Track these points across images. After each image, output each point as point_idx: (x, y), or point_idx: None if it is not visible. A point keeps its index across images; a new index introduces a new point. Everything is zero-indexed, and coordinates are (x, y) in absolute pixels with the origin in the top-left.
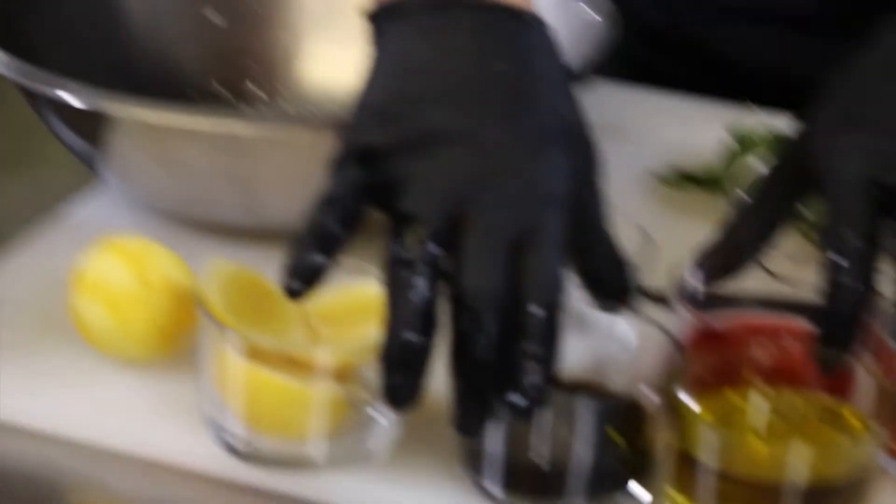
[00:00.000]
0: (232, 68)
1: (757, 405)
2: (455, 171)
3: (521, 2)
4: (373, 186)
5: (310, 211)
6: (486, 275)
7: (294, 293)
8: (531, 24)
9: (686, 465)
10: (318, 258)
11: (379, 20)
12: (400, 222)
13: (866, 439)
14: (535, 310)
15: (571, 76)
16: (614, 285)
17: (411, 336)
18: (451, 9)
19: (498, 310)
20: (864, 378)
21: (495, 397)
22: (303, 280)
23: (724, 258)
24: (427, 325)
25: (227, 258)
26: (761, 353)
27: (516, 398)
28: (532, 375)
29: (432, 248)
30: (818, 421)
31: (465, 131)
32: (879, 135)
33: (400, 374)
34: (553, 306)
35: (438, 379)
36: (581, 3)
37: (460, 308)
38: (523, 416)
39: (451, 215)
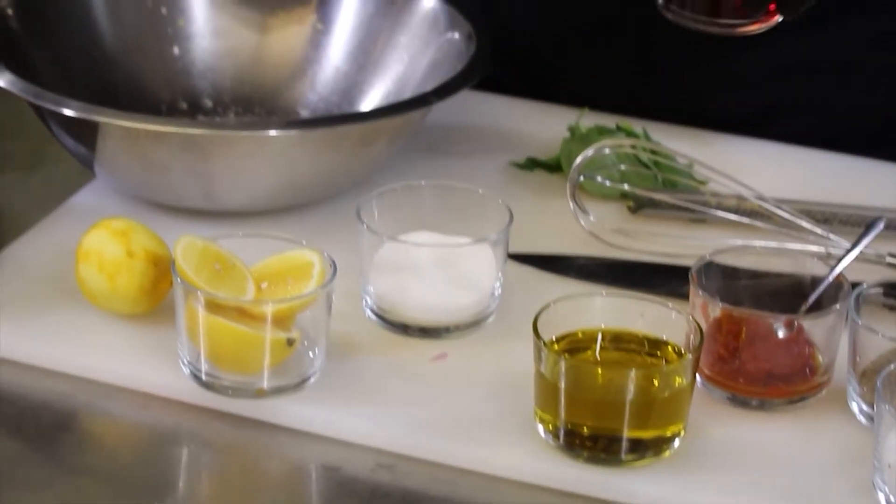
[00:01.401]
0: (193, 88)
1: (598, 341)
2: None
3: None
4: None
5: None
6: None
7: None
8: None
9: (547, 388)
10: None
11: None
12: None
13: (680, 365)
14: None
15: None
16: None
17: None
18: None
19: None
20: (681, 319)
21: None
22: None
23: None
24: None
25: (193, 234)
26: None
27: None
28: None
29: None
30: (644, 353)
31: None
32: None
33: None
34: None
35: (355, 318)
36: (454, 34)
37: None
38: None
39: None
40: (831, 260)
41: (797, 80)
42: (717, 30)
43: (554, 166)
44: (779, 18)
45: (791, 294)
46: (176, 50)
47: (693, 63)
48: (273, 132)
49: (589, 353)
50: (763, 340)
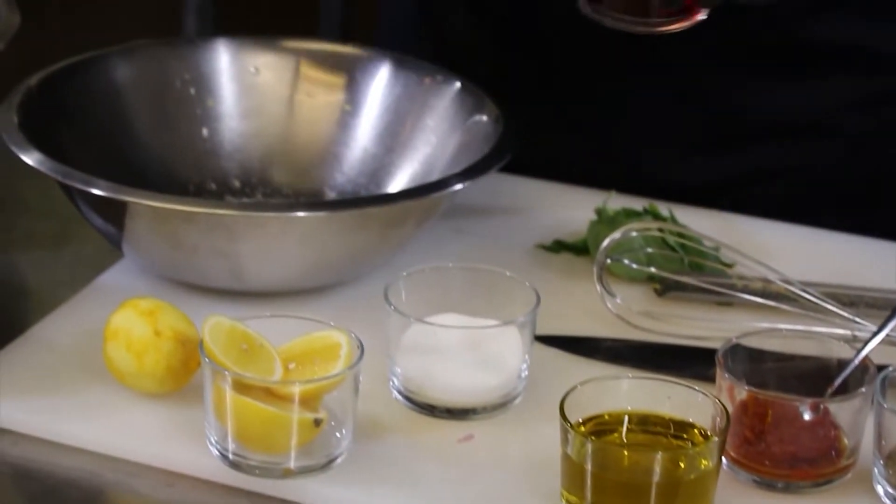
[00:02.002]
0: (222, 169)
1: (625, 423)
2: None
3: None
4: None
5: None
6: None
7: None
8: None
9: (574, 470)
10: None
11: None
12: None
13: (706, 448)
14: None
15: None
16: None
17: None
18: None
19: None
20: (707, 402)
21: None
22: None
23: None
24: None
25: (221, 313)
26: None
27: None
28: None
29: None
30: (670, 435)
31: None
32: None
33: None
34: None
35: (382, 399)
36: (482, 117)
37: None
38: None
39: None
40: (857, 343)
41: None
42: (640, 28)
43: (581, 249)
44: (702, 16)
45: (817, 377)
46: (205, 131)
47: (719, 148)
48: (301, 213)
49: (615, 435)
50: (789, 423)
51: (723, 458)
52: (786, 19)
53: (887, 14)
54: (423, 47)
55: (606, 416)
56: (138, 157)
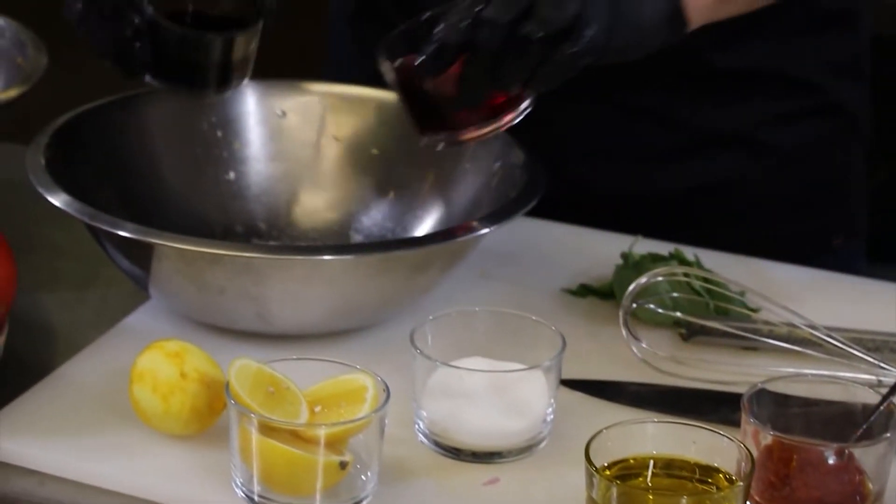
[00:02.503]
0: (249, 212)
1: (650, 467)
2: None
3: None
4: None
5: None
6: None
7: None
8: None
9: None
10: None
11: None
12: None
13: (731, 492)
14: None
15: None
16: None
17: None
18: None
19: None
20: (732, 447)
21: None
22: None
23: None
24: None
25: (247, 356)
26: None
27: None
28: None
29: None
30: (695, 480)
31: None
32: None
33: None
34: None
35: (407, 442)
36: (508, 161)
37: None
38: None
39: None
40: (882, 388)
41: None
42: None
43: (607, 293)
44: (526, 104)
45: (842, 422)
46: (231, 174)
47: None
48: (327, 257)
49: (640, 479)
50: (814, 468)
51: (748, 503)
52: (704, 49)
53: (792, 41)
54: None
55: (631, 461)
56: (165, 200)
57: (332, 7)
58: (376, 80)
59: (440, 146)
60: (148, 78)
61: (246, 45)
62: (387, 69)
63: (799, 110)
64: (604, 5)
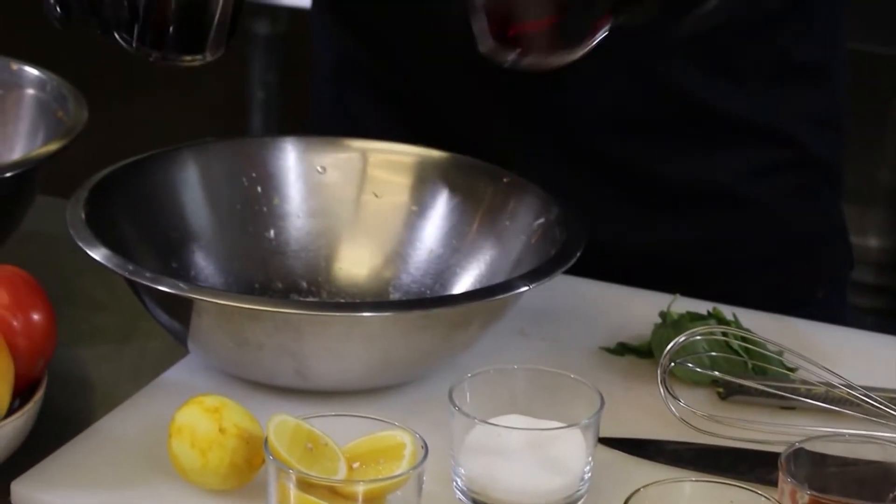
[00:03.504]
0: (288, 268)
1: None
2: None
3: None
4: None
5: None
6: None
7: None
8: None
9: None
10: None
11: None
12: None
13: None
14: None
15: None
16: None
17: None
18: None
19: None
20: None
21: None
22: None
23: None
24: None
25: (285, 412)
26: None
27: None
28: None
29: None
30: None
31: None
32: None
33: None
34: None
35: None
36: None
37: None
38: None
39: None
40: None
41: None
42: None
43: (645, 352)
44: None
45: (879, 482)
46: (271, 229)
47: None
48: (366, 314)
49: None
50: None
51: None
52: (687, 89)
53: (766, 93)
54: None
55: None
56: (204, 254)
57: (314, 66)
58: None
59: (509, 61)
60: (123, 39)
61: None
62: None
63: (774, 162)
64: None
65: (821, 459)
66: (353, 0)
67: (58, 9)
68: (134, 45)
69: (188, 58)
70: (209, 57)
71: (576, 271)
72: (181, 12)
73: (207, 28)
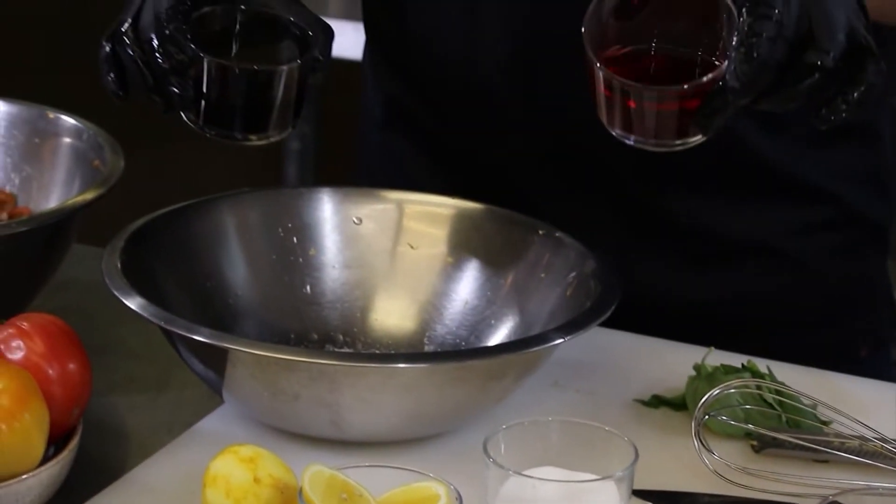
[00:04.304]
0: (323, 318)
1: None
2: None
3: None
4: None
5: None
6: None
7: None
8: None
9: None
10: None
11: None
12: None
13: None
14: None
15: None
16: None
17: None
18: None
19: None
20: None
21: None
22: None
23: None
24: None
25: (320, 462)
26: None
27: None
28: None
29: None
30: None
31: None
32: None
33: None
34: None
35: None
36: (582, 271)
37: None
38: None
39: None
40: None
41: None
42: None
43: (679, 404)
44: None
45: None
46: (306, 279)
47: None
48: (401, 365)
49: None
50: None
51: None
52: (739, 144)
53: (813, 152)
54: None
55: None
56: (239, 304)
57: (362, 115)
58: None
59: (635, 143)
60: (190, 119)
61: (300, 80)
62: (593, 52)
63: (819, 220)
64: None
65: None
66: (400, 53)
67: (117, 84)
68: (200, 123)
69: (253, 137)
70: (274, 136)
71: (610, 323)
72: (245, 93)
73: (271, 108)
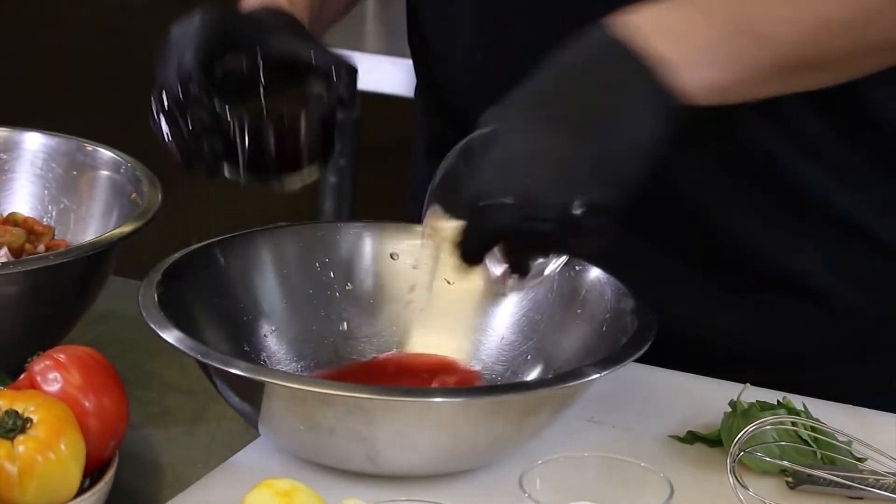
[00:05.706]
0: (360, 352)
1: None
2: None
3: None
4: None
5: None
6: None
7: None
8: None
9: None
10: None
11: None
12: None
13: None
14: None
15: None
16: None
17: None
18: None
19: None
20: None
21: None
22: None
23: None
24: None
25: (356, 496)
26: None
27: None
28: None
29: None
30: None
31: None
32: None
33: None
34: None
35: None
36: (619, 307)
37: None
38: None
39: None
40: None
41: None
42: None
43: (714, 441)
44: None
45: None
46: (343, 314)
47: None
48: (437, 399)
49: None
50: None
51: None
52: (776, 173)
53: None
54: None
55: None
56: (276, 338)
57: (414, 144)
58: None
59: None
60: (232, 176)
61: (328, 118)
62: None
63: (857, 256)
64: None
65: None
66: (444, 86)
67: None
68: (243, 179)
69: (289, 179)
70: (309, 177)
71: (647, 358)
72: (275, 139)
73: (301, 150)
